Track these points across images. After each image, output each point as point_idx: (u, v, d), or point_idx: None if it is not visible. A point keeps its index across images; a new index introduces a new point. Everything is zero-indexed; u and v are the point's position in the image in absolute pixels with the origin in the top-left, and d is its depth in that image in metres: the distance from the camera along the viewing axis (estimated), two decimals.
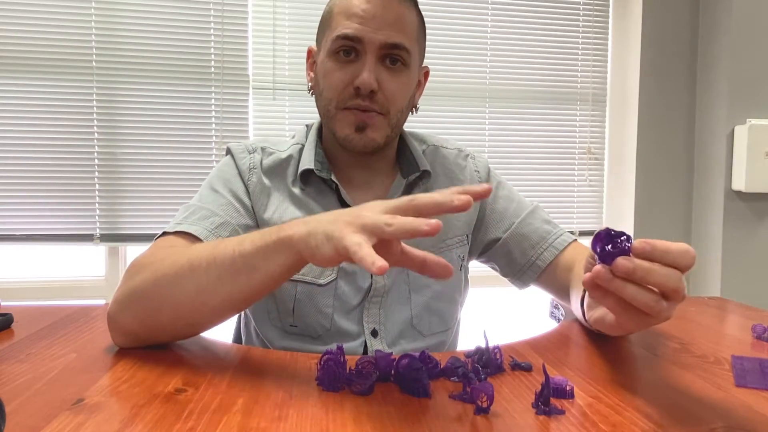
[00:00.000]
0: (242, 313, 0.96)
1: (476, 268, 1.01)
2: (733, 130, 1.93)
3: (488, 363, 0.60)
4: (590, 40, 2.08)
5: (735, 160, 1.92)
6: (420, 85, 0.92)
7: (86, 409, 0.49)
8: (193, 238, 0.74)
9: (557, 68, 2.05)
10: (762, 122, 1.89)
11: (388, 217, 0.51)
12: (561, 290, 0.88)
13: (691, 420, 0.49)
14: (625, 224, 2.07)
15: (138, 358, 0.61)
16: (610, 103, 2.10)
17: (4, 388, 0.53)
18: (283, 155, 0.89)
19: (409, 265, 0.55)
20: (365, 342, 0.83)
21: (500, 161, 2.01)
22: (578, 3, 2.05)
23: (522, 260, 0.92)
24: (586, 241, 0.98)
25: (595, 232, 0.51)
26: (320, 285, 0.83)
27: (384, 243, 0.52)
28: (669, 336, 0.74)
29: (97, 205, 1.77)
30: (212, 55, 1.82)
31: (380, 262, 0.45)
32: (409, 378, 0.54)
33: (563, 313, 0.93)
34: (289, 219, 0.61)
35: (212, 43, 1.82)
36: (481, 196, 0.53)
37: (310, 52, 0.90)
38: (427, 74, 0.94)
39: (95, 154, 1.77)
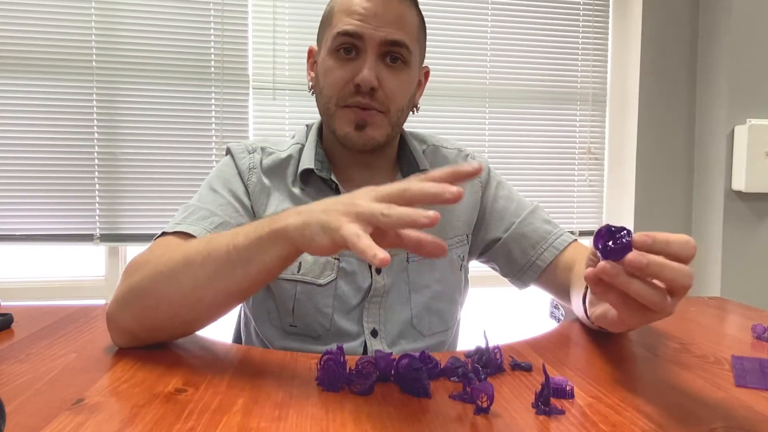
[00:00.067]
0: (242, 313, 0.96)
1: (476, 268, 1.01)
2: (733, 130, 1.93)
3: (488, 363, 0.60)
4: (590, 40, 2.08)
5: (735, 160, 1.92)
6: (420, 84, 0.92)
7: (86, 409, 0.49)
8: (192, 238, 0.74)
9: (557, 68, 2.05)
10: (762, 122, 1.89)
11: (384, 206, 0.50)
12: (561, 290, 0.88)
13: (691, 420, 0.49)
14: (625, 224, 2.06)
15: (138, 358, 0.61)
16: (610, 103, 2.10)
17: (4, 388, 0.53)
18: (283, 155, 0.89)
19: (405, 246, 0.55)
20: (365, 342, 0.83)
21: (500, 161, 2.01)
22: (578, 3, 2.05)
23: (522, 260, 0.92)
24: (586, 241, 0.98)
25: (597, 230, 0.51)
26: (320, 285, 0.83)
27: (379, 228, 0.52)
28: (669, 336, 0.74)
29: (97, 205, 1.77)
30: (212, 55, 1.82)
31: (381, 254, 0.45)
32: (409, 378, 0.54)
33: (563, 313, 0.93)
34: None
35: (212, 43, 1.82)
36: (471, 176, 0.53)
37: (311, 52, 0.90)
38: (427, 74, 0.94)
39: (95, 154, 1.77)
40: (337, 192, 0.85)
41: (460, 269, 0.93)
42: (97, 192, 1.77)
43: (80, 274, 1.87)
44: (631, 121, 2.07)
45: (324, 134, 0.91)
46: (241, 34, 1.83)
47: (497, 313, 2.10)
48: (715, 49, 1.98)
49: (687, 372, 0.61)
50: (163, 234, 0.75)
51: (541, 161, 2.06)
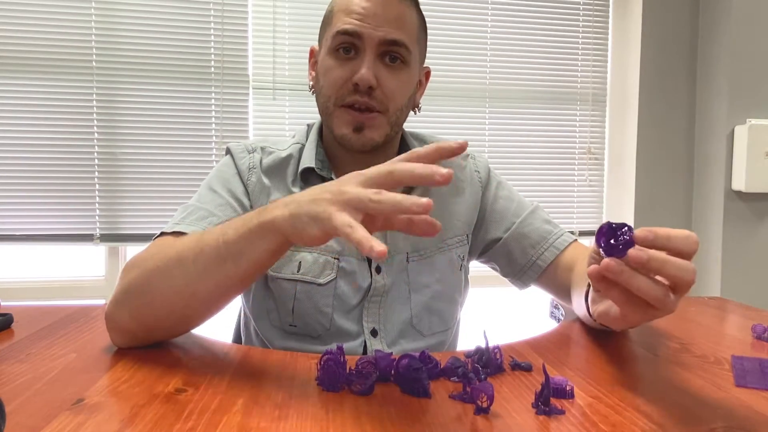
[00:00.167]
0: (242, 312, 0.96)
1: (476, 268, 1.01)
2: (733, 130, 1.93)
3: (488, 363, 0.60)
4: (590, 40, 2.08)
5: (735, 160, 1.92)
6: (421, 85, 0.92)
7: (86, 409, 0.49)
8: None
9: (557, 68, 2.05)
10: (762, 122, 1.89)
11: (372, 192, 0.50)
12: (561, 290, 0.88)
13: (691, 420, 0.49)
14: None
15: (138, 358, 0.61)
16: (610, 103, 2.10)
17: (4, 388, 0.53)
18: (283, 154, 0.89)
19: (394, 227, 0.55)
20: (365, 342, 0.83)
21: (500, 161, 2.01)
22: (578, 3, 2.05)
23: (522, 260, 0.92)
24: (586, 241, 0.98)
25: (598, 227, 0.51)
26: (320, 284, 0.83)
27: (369, 213, 0.52)
28: (669, 336, 0.74)
29: (97, 205, 1.77)
30: (212, 55, 1.82)
31: (378, 246, 0.45)
32: (409, 378, 0.54)
33: (563, 313, 0.93)
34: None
35: (212, 43, 1.82)
36: (455, 153, 0.53)
37: (312, 52, 0.90)
38: (428, 75, 0.94)
39: (95, 154, 1.77)
40: None
41: (460, 269, 0.93)
42: (97, 192, 1.77)
43: (80, 274, 1.87)
44: (631, 121, 2.07)
45: (324, 134, 0.91)
46: (241, 34, 1.83)
47: (497, 313, 2.10)
48: (715, 49, 1.98)
49: (687, 372, 0.61)
50: (162, 234, 0.75)
51: (541, 161, 2.06)
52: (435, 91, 1.94)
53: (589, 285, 0.68)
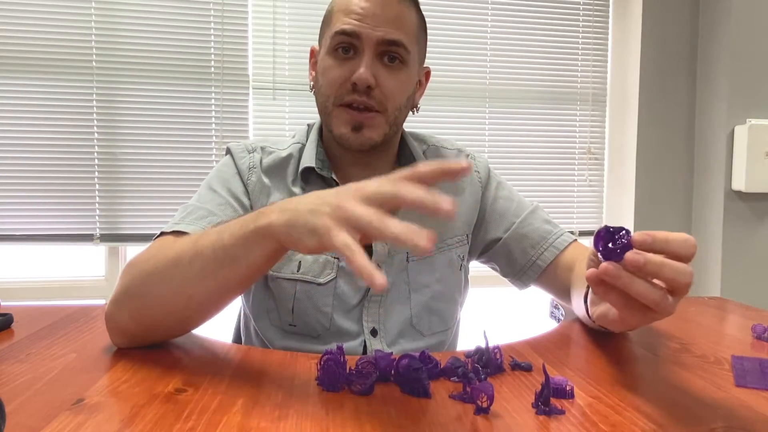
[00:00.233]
0: (242, 312, 0.96)
1: (476, 268, 1.01)
2: (733, 130, 1.93)
3: (488, 363, 0.60)
4: (590, 40, 2.08)
5: (735, 160, 1.92)
6: (421, 85, 0.92)
7: (86, 409, 0.49)
8: None
9: (557, 68, 2.05)
10: (762, 122, 1.89)
11: (375, 217, 0.48)
12: (561, 290, 0.88)
13: (691, 420, 0.49)
14: (625, 224, 2.07)
15: (138, 358, 0.61)
16: (610, 103, 2.10)
17: (4, 388, 0.53)
18: (283, 154, 0.89)
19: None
20: (365, 342, 0.83)
21: (500, 161, 2.01)
22: (578, 3, 2.05)
23: (522, 260, 0.92)
24: (586, 241, 0.98)
25: (595, 231, 0.51)
26: (319, 284, 0.83)
27: None
28: (669, 336, 0.74)
29: (97, 205, 1.77)
30: (212, 55, 1.82)
31: (379, 280, 0.44)
32: (409, 378, 0.54)
33: (563, 313, 0.93)
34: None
35: (212, 43, 1.82)
36: (457, 174, 0.51)
37: (312, 52, 0.91)
38: (428, 75, 0.94)
39: (95, 154, 1.77)
40: None
41: (460, 269, 0.93)
42: (97, 192, 1.77)
43: (80, 274, 1.87)
44: (631, 121, 2.07)
45: (324, 134, 0.91)
46: (241, 34, 1.83)
47: (497, 313, 2.10)
48: (715, 49, 1.98)
49: (687, 372, 0.61)
50: (162, 234, 0.75)
51: (541, 161, 2.06)
52: (435, 91, 1.94)
53: (588, 287, 0.68)
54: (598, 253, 0.50)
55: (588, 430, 0.46)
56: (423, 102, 0.95)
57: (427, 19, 0.91)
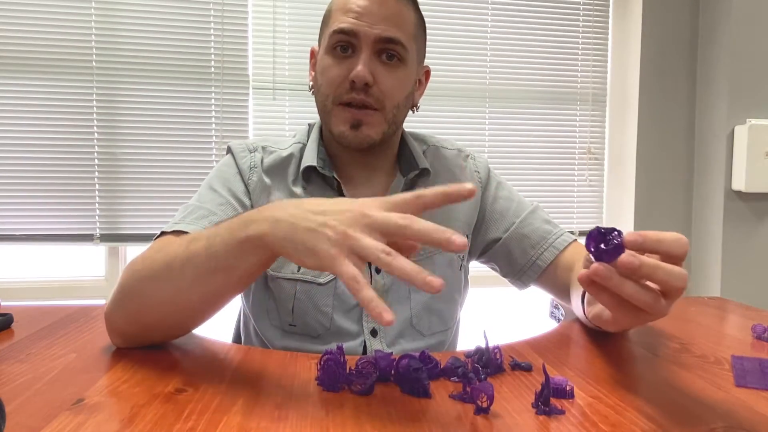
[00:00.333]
0: (242, 312, 0.96)
1: (476, 268, 1.01)
2: (733, 130, 1.93)
3: (488, 363, 0.60)
4: (590, 40, 2.08)
5: (735, 160, 1.92)
6: (421, 84, 0.92)
7: (86, 409, 0.49)
8: None
9: (557, 68, 2.05)
10: (762, 122, 1.89)
11: (382, 252, 0.47)
12: (561, 290, 0.88)
13: (691, 420, 0.49)
14: (625, 224, 2.07)
15: (138, 358, 0.61)
16: (610, 103, 2.10)
17: (4, 388, 0.53)
18: (284, 153, 0.89)
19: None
20: (365, 342, 0.83)
21: (500, 161, 2.01)
22: (578, 3, 2.05)
23: (522, 260, 0.92)
24: None
25: (588, 233, 0.51)
26: (320, 284, 0.83)
27: None
28: (669, 336, 0.74)
29: (97, 205, 1.77)
30: (212, 55, 1.82)
31: (388, 315, 0.44)
32: (409, 378, 0.54)
33: (563, 313, 0.93)
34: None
35: (212, 43, 1.82)
36: (462, 198, 0.51)
37: (312, 52, 0.91)
38: (428, 74, 0.94)
39: (95, 154, 1.77)
40: (339, 191, 0.85)
41: (460, 269, 0.93)
42: (97, 192, 1.77)
43: (80, 274, 1.87)
44: (631, 121, 2.07)
45: (324, 133, 0.91)
46: (241, 34, 1.83)
47: (497, 313, 2.10)
48: (715, 49, 1.98)
49: (687, 372, 0.61)
50: (163, 234, 0.75)
51: (541, 161, 2.06)
52: (435, 91, 1.94)
53: None
54: (590, 255, 0.50)
55: (588, 430, 0.46)
56: (423, 102, 0.95)
57: (427, 19, 0.91)
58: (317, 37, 0.90)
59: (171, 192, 1.81)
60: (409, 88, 0.86)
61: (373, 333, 0.84)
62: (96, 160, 1.76)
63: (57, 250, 1.83)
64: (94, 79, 1.75)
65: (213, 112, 1.83)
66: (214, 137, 1.83)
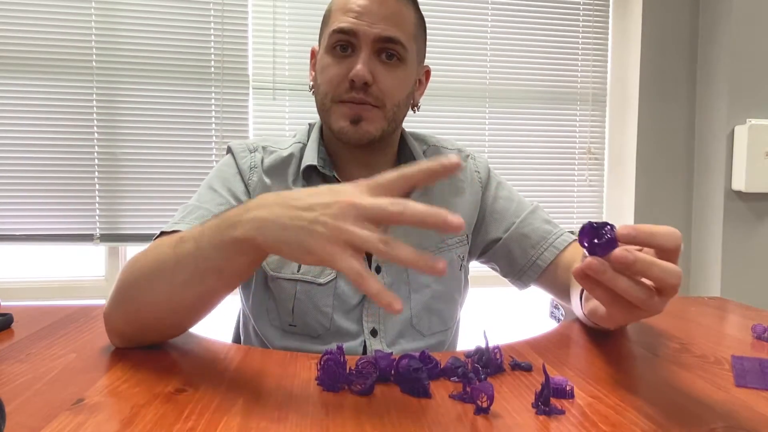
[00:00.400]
0: (242, 312, 0.96)
1: (476, 268, 1.01)
2: (733, 130, 1.93)
3: (488, 363, 0.60)
4: (590, 40, 2.08)
5: (735, 160, 1.92)
6: (421, 84, 0.92)
7: (86, 409, 0.49)
8: None
9: (557, 68, 2.05)
10: (762, 122, 1.89)
11: (380, 242, 0.47)
12: (561, 290, 0.88)
13: (691, 420, 0.49)
14: (625, 224, 2.07)
15: (138, 358, 0.61)
16: (610, 103, 2.10)
17: (4, 388, 0.53)
18: (285, 153, 0.89)
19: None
20: (365, 342, 0.83)
21: (500, 161, 2.01)
22: (578, 3, 2.05)
23: (522, 260, 0.92)
24: None
25: (580, 227, 0.50)
26: (320, 284, 0.83)
27: None
28: (669, 336, 0.74)
29: (97, 205, 1.77)
30: (212, 55, 1.82)
31: (398, 304, 0.45)
32: (409, 378, 0.54)
33: (563, 313, 0.93)
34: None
35: (212, 43, 1.82)
36: (446, 172, 0.49)
37: (313, 52, 0.91)
38: (428, 74, 0.94)
39: (95, 154, 1.77)
40: None
41: (460, 269, 0.93)
42: (97, 192, 1.77)
43: (80, 274, 1.87)
44: (631, 121, 2.07)
45: (324, 132, 0.91)
46: (241, 34, 1.83)
47: (497, 313, 2.10)
48: (715, 49, 1.98)
49: (687, 372, 0.61)
50: (162, 233, 0.75)
51: (541, 161, 2.06)
52: (435, 91, 1.94)
53: None
54: (584, 249, 0.50)
55: (588, 430, 0.46)
56: (423, 102, 0.95)
57: (427, 19, 0.91)
58: (317, 37, 0.90)
59: (171, 192, 1.81)
60: (408, 88, 0.86)
61: (373, 333, 0.84)
62: (96, 160, 1.76)
63: (57, 250, 1.83)
64: (94, 79, 1.75)
65: (213, 112, 1.83)
66: (214, 137, 1.83)
